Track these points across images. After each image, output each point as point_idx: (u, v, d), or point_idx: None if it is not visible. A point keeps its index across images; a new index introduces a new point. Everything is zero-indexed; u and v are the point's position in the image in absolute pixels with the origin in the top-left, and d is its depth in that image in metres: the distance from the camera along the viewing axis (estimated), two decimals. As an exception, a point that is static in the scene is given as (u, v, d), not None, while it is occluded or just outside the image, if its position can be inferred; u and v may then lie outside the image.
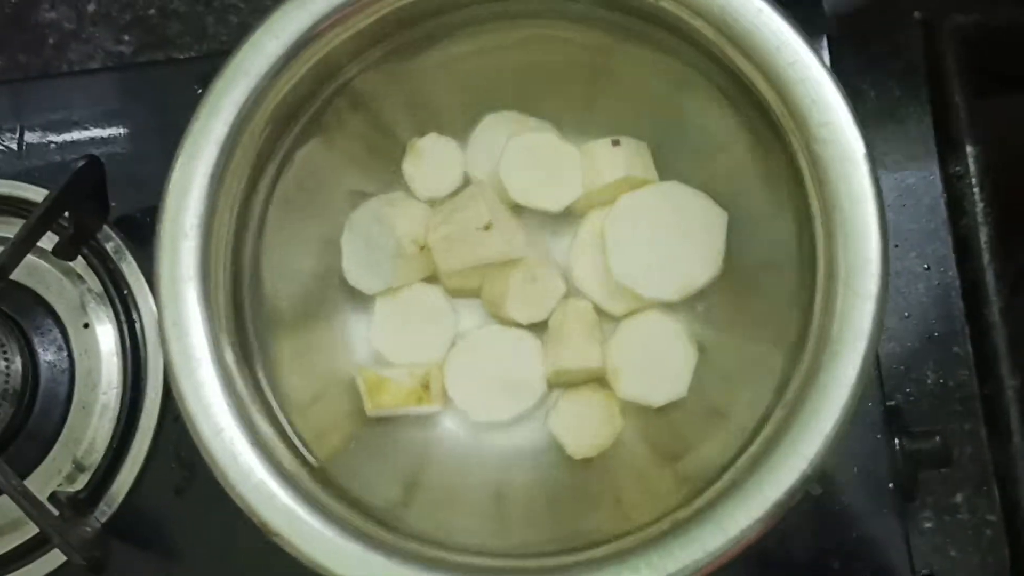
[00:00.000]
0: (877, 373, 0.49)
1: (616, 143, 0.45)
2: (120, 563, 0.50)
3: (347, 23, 0.39)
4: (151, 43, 0.60)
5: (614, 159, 0.44)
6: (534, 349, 0.45)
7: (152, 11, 0.61)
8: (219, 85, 0.38)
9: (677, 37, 0.40)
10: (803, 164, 0.37)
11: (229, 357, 0.38)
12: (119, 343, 0.51)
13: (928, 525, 0.53)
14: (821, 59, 0.36)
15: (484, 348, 0.46)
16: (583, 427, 0.45)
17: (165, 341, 0.36)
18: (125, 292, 0.52)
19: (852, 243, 0.35)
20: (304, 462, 0.39)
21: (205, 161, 0.38)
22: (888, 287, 0.35)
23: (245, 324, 0.40)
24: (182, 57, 0.58)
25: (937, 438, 0.48)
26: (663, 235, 0.44)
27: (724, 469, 0.36)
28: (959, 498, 0.53)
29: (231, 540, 0.48)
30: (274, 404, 0.40)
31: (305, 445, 0.40)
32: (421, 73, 0.44)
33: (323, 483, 0.38)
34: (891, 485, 0.47)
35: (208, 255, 0.38)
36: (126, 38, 0.60)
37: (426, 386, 0.45)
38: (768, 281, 0.42)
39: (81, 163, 0.46)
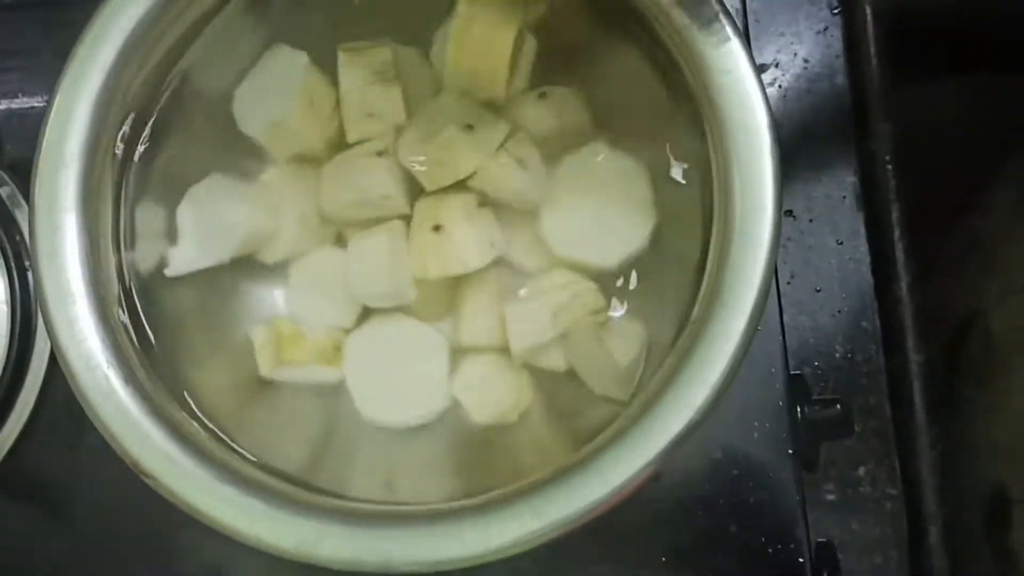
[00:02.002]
0: (782, 341, 0.49)
1: (543, 95, 0.43)
2: (3, 518, 0.48)
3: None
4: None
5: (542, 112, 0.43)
6: (441, 354, 0.42)
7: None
8: (105, 10, 0.36)
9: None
10: (704, 111, 0.36)
11: (109, 295, 0.36)
12: (8, 291, 0.49)
13: (831, 497, 0.53)
14: (724, 7, 0.36)
15: (388, 336, 0.42)
16: (487, 392, 0.42)
17: (38, 274, 0.35)
18: (17, 239, 0.50)
19: (748, 191, 0.35)
20: (186, 408, 0.37)
21: (89, 87, 0.36)
22: (779, 237, 0.34)
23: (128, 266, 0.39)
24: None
25: (838, 406, 0.49)
26: (593, 201, 0.42)
27: (614, 418, 0.35)
28: (861, 471, 0.53)
29: (121, 497, 0.46)
30: (160, 351, 0.39)
31: (192, 395, 0.39)
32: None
33: (204, 429, 0.37)
34: (791, 452, 0.47)
35: (90, 185, 0.36)
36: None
37: (337, 348, 0.42)
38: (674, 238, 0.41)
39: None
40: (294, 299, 0.42)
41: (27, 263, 0.50)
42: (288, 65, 0.43)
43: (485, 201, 0.41)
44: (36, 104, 0.53)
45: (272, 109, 0.42)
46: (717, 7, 0.36)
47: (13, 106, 0.53)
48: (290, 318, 0.41)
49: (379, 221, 0.41)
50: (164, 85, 0.40)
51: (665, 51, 0.38)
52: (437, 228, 0.40)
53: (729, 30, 0.36)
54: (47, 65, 0.52)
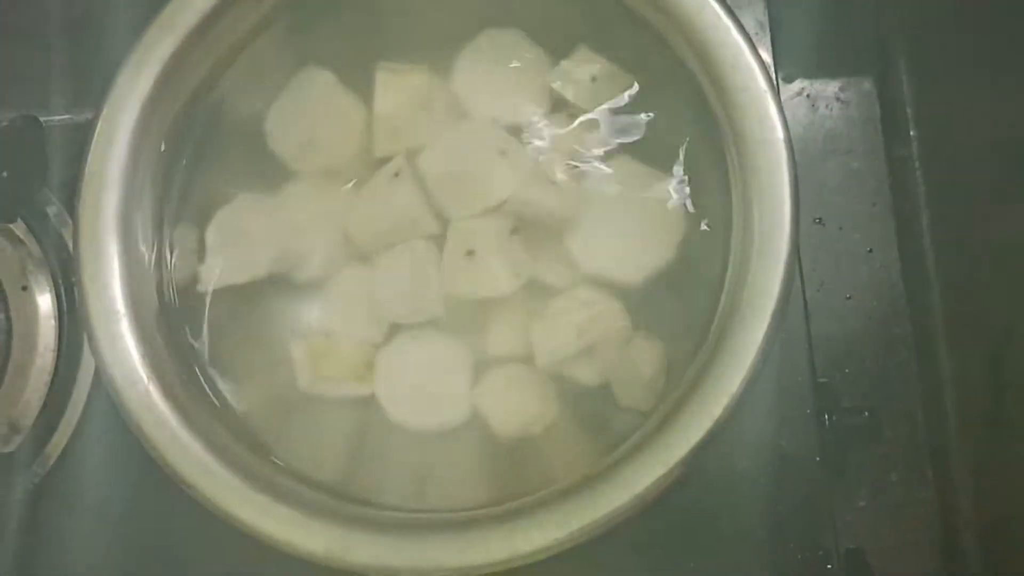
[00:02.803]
0: (808, 349, 0.49)
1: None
2: (52, 525, 0.49)
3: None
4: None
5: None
6: (465, 365, 0.43)
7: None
8: (147, 38, 0.38)
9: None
10: (723, 128, 0.37)
11: (150, 313, 0.38)
12: (55, 307, 0.51)
13: (863, 504, 0.53)
14: (740, 25, 0.37)
15: (416, 351, 0.43)
16: (511, 404, 0.43)
17: (82, 294, 0.37)
18: (65, 256, 0.52)
19: (767, 207, 0.36)
20: (225, 422, 0.39)
21: (129, 114, 0.38)
22: (797, 251, 0.35)
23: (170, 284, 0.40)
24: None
25: (866, 414, 0.49)
26: (619, 218, 0.43)
27: (636, 427, 0.36)
28: (894, 477, 0.53)
29: (165, 503, 0.47)
30: (198, 366, 0.40)
31: (228, 407, 0.40)
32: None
33: (242, 441, 0.38)
34: (818, 459, 0.47)
35: (131, 209, 0.38)
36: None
37: (369, 364, 0.43)
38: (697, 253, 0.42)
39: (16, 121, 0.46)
40: (327, 316, 0.43)
41: (74, 280, 0.52)
42: (318, 85, 0.44)
43: (518, 224, 0.42)
44: (83, 123, 0.54)
45: (302, 128, 0.43)
46: (734, 28, 0.36)
47: (62, 125, 0.54)
48: (324, 334, 0.43)
49: (406, 242, 0.42)
50: (200, 110, 0.42)
51: (688, 73, 0.38)
52: (470, 253, 0.41)
53: (744, 47, 0.36)
54: (95, 86, 0.54)
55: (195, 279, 0.42)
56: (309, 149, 0.43)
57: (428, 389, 0.43)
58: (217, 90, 0.42)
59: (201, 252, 0.42)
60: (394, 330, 0.43)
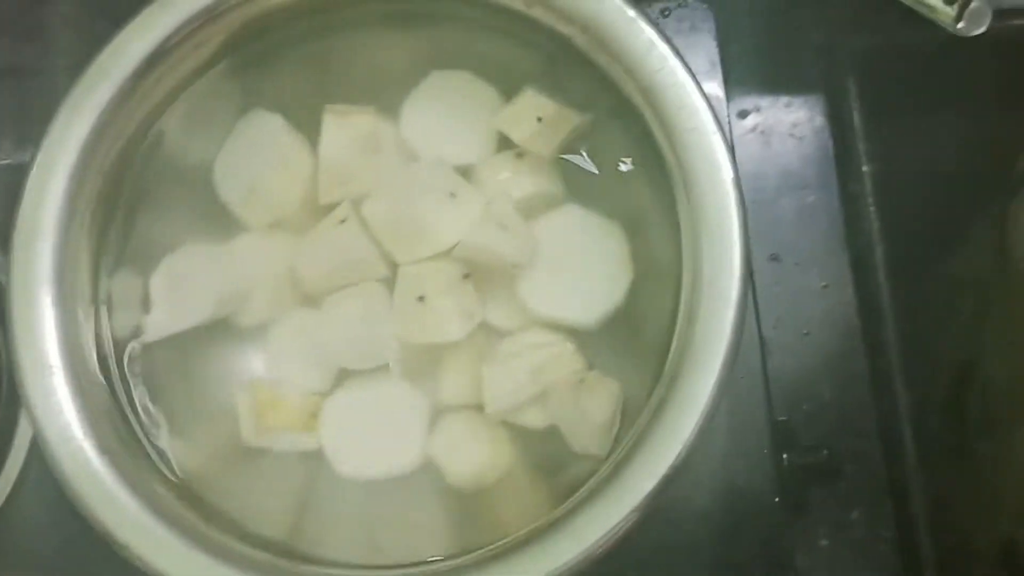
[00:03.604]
0: (765, 389, 0.48)
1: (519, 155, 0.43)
2: (-9, 581, 0.48)
3: (216, 23, 0.38)
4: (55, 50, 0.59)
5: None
6: (419, 411, 0.42)
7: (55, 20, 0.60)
8: (81, 86, 0.37)
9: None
10: (673, 169, 0.37)
11: (87, 365, 0.37)
12: (-6, 357, 0.50)
13: (824, 542, 0.53)
14: (687, 66, 0.36)
15: (366, 398, 0.42)
16: (464, 452, 0.42)
17: (14, 346, 0.35)
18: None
19: (716, 248, 0.35)
20: (163, 478, 0.38)
21: (65, 161, 0.37)
22: (747, 295, 0.35)
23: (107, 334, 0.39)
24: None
25: (824, 452, 0.48)
26: (569, 261, 0.42)
27: (592, 473, 0.35)
28: (855, 515, 0.53)
29: (110, 561, 0.46)
30: (136, 419, 0.39)
31: (167, 462, 0.39)
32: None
33: (182, 497, 0.37)
34: (777, 500, 0.47)
35: (65, 258, 0.37)
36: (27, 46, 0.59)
37: (315, 413, 0.42)
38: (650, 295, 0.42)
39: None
40: (272, 363, 0.42)
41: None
42: (266, 129, 0.43)
43: (469, 268, 0.42)
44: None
45: (249, 174, 0.42)
46: (681, 68, 0.36)
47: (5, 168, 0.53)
48: (269, 382, 0.42)
49: (355, 284, 0.41)
50: (142, 156, 0.41)
51: (636, 114, 0.38)
52: (421, 299, 0.40)
53: (691, 89, 0.36)
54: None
55: (137, 329, 0.41)
56: (256, 196, 0.42)
57: (379, 437, 0.42)
58: (159, 136, 0.42)
59: (144, 302, 0.41)
60: (342, 377, 0.42)
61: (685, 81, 0.36)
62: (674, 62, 0.36)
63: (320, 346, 0.41)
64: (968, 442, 0.54)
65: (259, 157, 0.42)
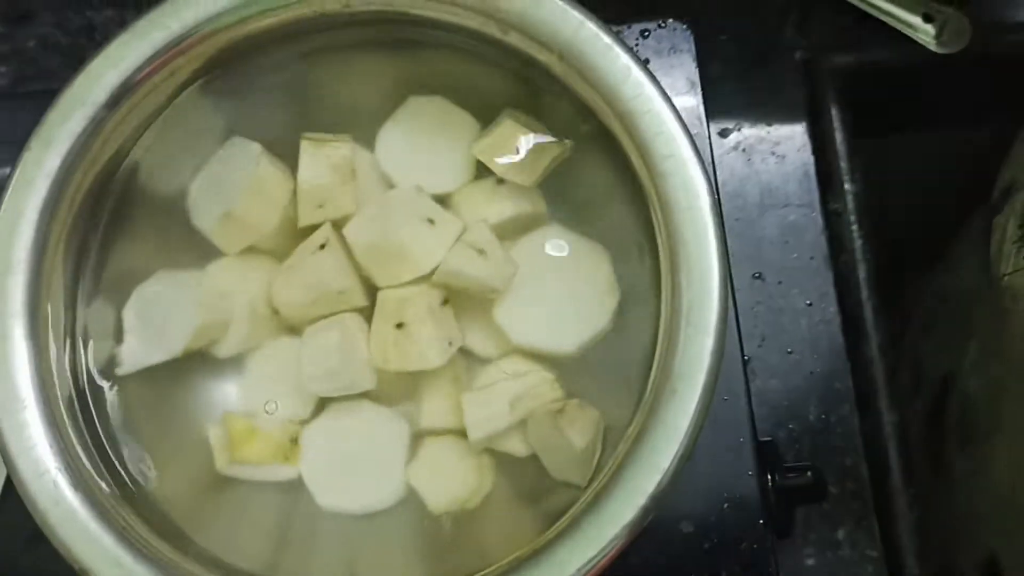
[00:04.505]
0: (749, 410, 0.48)
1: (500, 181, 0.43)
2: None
3: (188, 54, 0.38)
4: (30, 75, 0.59)
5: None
6: (399, 438, 0.41)
7: (31, 43, 0.60)
8: (53, 116, 0.37)
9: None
10: (651, 197, 0.37)
11: (60, 398, 0.36)
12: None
13: (811, 562, 0.52)
14: (664, 93, 0.36)
15: (346, 426, 0.41)
16: (445, 478, 0.42)
17: (-15, 382, 0.35)
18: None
19: (695, 276, 0.35)
20: (139, 512, 0.37)
21: (36, 194, 0.37)
22: (726, 321, 0.34)
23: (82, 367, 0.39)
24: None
25: (809, 473, 0.48)
26: (551, 287, 0.42)
27: (574, 500, 0.35)
28: (841, 534, 0.53)
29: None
30: (113, 452, 0.39)
31: (144, 496, 0.39)
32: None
33: (158, 531, 0.36)
34: (762, 521, 0.46)
35: (38, 291, 0.36)
36: (2, 69, 0.59)
37: (294, 441, 0.41)
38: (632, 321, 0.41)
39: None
40: (250, 393, 0.42)
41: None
42: (242, 156, 0.43)
43: (448, 294, 0.41)
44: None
45: (225, 199, 0.42)
46: (657, 96, 0.36)
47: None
48: (245, 413, 0.41)
49: (334, 314, 0.41)
50: (116, 185, 0.41)
51: (614, 141, 0.38)
52: (400, 325, 0.40)
53: (668, 115, 0.36)
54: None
55: (111, 361, 0.40)
56: (231, 220, 0.42)
57: (359, 466, 0.41)
58: (133, 164, 0.41)
59: (118, 333, 0.41)
60: (321, 406, 0.42)
61: (661, 109, 0.36)
62: (651, 89, 0.36)
63: (299, 376, 0.41)
64: (950, 457, 0.54)
65: (235, 183, 0.42)
